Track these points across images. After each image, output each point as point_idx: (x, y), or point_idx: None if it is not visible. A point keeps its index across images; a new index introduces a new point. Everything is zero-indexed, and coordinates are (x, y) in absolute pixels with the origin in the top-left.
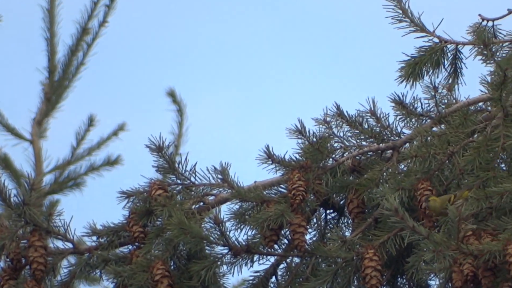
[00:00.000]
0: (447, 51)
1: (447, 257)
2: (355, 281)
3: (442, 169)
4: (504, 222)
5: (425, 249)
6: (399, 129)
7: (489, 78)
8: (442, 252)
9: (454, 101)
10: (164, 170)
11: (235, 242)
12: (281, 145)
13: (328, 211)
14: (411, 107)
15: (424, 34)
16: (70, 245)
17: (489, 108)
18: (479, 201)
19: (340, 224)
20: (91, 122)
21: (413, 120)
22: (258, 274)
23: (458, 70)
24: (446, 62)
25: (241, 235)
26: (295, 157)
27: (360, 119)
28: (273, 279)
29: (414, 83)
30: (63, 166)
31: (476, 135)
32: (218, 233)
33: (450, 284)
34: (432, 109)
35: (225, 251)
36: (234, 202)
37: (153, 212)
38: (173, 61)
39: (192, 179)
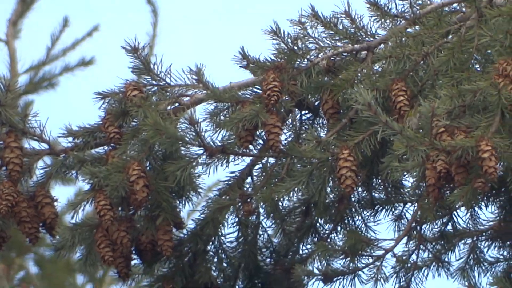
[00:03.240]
0: None
1: (420, 152)
2: (331, 182)
3: (417, 69)
4: (477, 120)
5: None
6: (373, 30)
7: None
8: (414, 147)
9: (428, 2)
10: (140, 71)
11: (210, 142)
12: (256, 47)
13: (303, 112)
14: (386, 8)
15: None
16: (46, 146)
17: (464, 9)
18: (452, 99)
19: (315, 125)
20: (65, 23)
21: (388, 21)
22: (233, 174)
23: None
24: None
25: (216, 136)
26: (270, 58)
27: (335, 20)
28: (249, 179)
29: None
30: (38, 66)
31: (450, 36)
32: (194, 133)
33: (423, 183)
34: (406, 10)
35: (201, 151)
36: (209, 103)
37: (129, 113)
38: None
39: (168, 80)
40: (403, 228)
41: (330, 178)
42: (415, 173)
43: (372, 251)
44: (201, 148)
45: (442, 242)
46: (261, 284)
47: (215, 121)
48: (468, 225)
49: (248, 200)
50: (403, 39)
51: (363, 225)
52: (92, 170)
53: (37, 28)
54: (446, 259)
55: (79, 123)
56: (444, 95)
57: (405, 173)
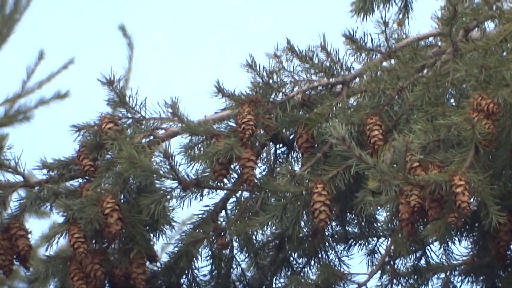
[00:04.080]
0: None
1: (393, 186)
2: (304, 216)
3: (392, 104)
4: (451, 154)
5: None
6: (349, 63)
7: (439, 13)
8: (388, 181)
9: (404, 36)
10: (115, 103)
11: (185, 176)
12: (231, 80)
13: (277, 146)
14: (361, 42)
15: None
16: (20, 178)
17: (439, 43)
18: (426, 133)
19: (290, 159)
20: (41, 55)
21: (363, 54)
22: (207, 208)
23: (409, 5)
24: None
25: (190, 169)
26: (245, 92)
27: (311, 54)
28: (223, 213)
29: (365, 17)
30: (13, 99)
31: (425, 70)
32: (168, 167)
33: (397, 217)
34: (382, 44)
35: (175, 185)
36: (184, 136)
37: (104, 146)
38: None
39: (143, 113)
40: (377, 263)
41: (304, 212)
42: (388, 207)
43: (346, 286)
44: (176, 182)
45: (416, 277)
46: None
47: (190, 155)
48: (442, 259)
49: (222, 233)
50: (378, 73)
51: (337, 259)
52: (66, 202)
53: (12, 60)
54: None
55: (54, 156)
56: (418, 129)
57: (379, 208)
